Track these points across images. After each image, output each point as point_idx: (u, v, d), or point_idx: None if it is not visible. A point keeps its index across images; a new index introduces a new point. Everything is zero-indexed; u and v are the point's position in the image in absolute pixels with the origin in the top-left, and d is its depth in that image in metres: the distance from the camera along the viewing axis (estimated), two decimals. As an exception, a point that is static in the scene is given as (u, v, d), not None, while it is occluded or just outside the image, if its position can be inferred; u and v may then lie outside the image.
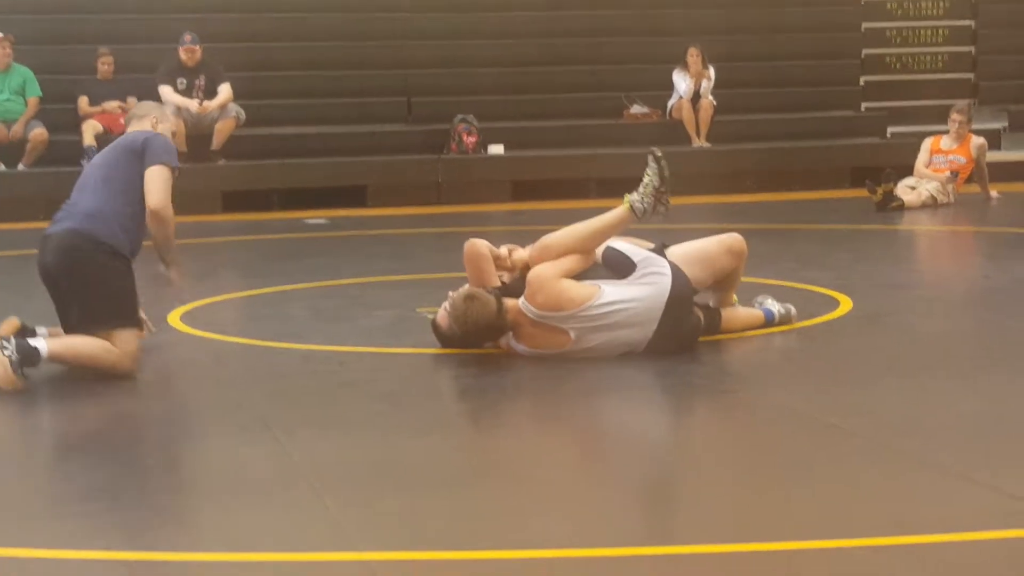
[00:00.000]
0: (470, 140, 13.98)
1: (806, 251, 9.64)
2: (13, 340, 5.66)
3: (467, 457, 4.78)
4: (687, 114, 14.52)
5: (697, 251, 6.24)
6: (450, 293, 6.07)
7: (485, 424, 5.33)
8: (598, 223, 6.06)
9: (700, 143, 14.51)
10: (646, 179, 6.02)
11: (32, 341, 5.72)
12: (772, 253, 9.18)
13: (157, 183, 5.94)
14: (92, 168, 6.20)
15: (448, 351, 6.11)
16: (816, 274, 8.19)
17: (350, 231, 11.51)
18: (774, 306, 6.52)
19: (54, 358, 5.77)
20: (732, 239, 6.30)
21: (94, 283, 5.84)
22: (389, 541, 3.74)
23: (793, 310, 6.54)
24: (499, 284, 6.15)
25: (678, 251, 6.21)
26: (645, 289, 5.91)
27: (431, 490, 4.23)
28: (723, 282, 6.34)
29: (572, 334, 5.88)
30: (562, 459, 4.75)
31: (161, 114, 6.44)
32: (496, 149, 14.08)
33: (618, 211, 6.05)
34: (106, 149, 6.29)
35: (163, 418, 5.48)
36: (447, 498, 4.15)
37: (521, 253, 6.23)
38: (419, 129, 14.38)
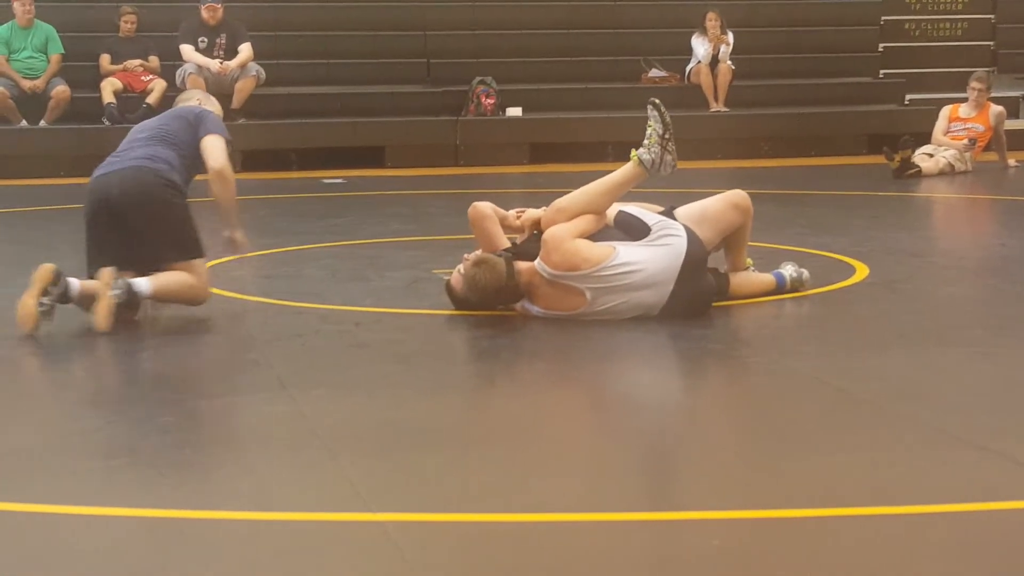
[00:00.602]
0: (489, 102, 13.95)
1: (822, 217, 9.61)
2: (123, 281, 5.86)
3: (480, 419, 4.80)
4: (705, 79, 14.48)
5: (703, 210, 6.25)
6: (465, 255, 6.07)
7: (499, 386, 5.34)
8: (609, 181, 6.06)
9: (718, 108, 14.47)
10: (649, 130, 6.04)
11: (135, 283, 5.93)
12: (788, 219, 9.16)
13: (217, 148, 6.18)
14: (140, 129, 6.39)
15: (463, 313, 6.11)
16: (832, 240, 8.16)
17: (368, 191, 11.52)
18: (786, 270, 6.50)
19: (155, 295, 6.00)
20: (736, 195, 6.30)
21: (167, 219, 6.05)
22: (402, 502, 3.76)
23: (806, 274, 6.52)
24: (508, 245, 6.15)
25: (684, 212, 6.22)
26: (660, 251, 5.91)
27: (444, 451, 4.24)
28: (732, 241, 6.32)
29: (587, 295, 5.87)
30: (574, 422, 4.76)
31: (204, 97, 6.67)
32: (514, 111, 14.06)
33: (627, 167, 6.05)
34: (155, 117, 6.59)
35: (180, 376, 5.50)
36: (460, 460, 4.17)
37: (532, 212, 6.22)
38: (438, 91, 14.35)
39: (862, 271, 7.14)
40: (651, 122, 6.05)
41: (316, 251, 7.74)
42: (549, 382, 5.32)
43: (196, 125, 6.24)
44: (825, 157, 14.00)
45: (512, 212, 6.33)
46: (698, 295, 6.01)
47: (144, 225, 6.02)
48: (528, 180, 12.63)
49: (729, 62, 14.52)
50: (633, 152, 6.06)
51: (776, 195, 10.56)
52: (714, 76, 14.49)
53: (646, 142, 6.04)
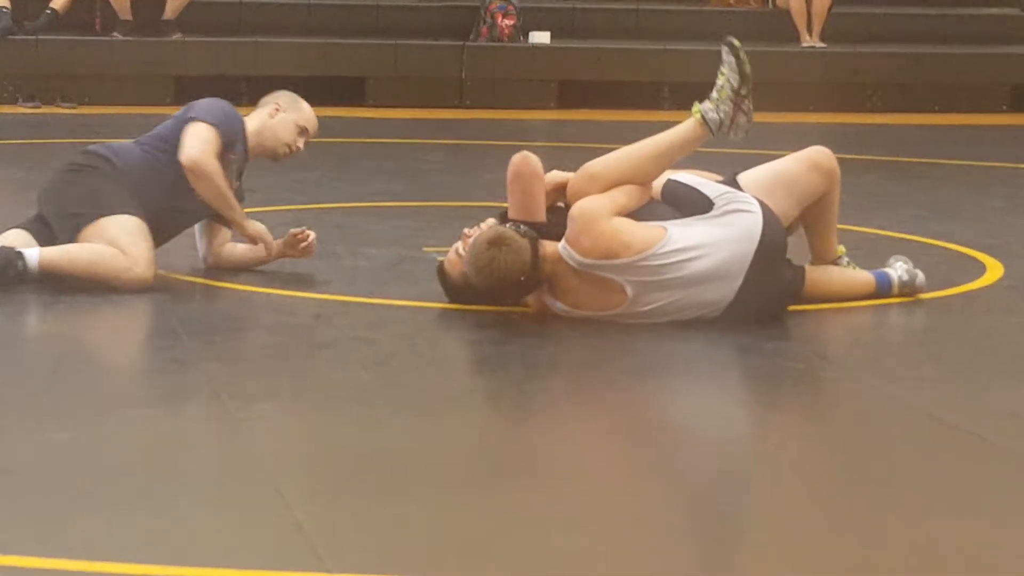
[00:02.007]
0: (506, 24, 13.95)
1: (946, 196, 9.63)
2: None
3: (478, 451, 4.80)
4: (796, 3, 14.47)
5: (774, 174, 6.26)
6: (465, 230, 6.06)
7: (505, 408, 5.35)
8: (660, 142, 6.07)
9: (811, 42, 14.46)
10: (720, 80, 6.05)
11: (26, 252, 6.15)
12: (900, 196, 9.18)
13: (191, 137, 6.42)
14: None
15: (460, 307, 6.12)
16: (958, 228, 8.18)
17: (342, 138, 11.51)
18: (896, 270, 6.48)
19: (47, 267, 6.16)
20: (817, 152, 6.32)
21: (69, 180, 6.42)
22: (367, 559, 3.76)
23: (921, 277, 6.51)
24: (544, 221, 6.03)
25: (751, 178, 6.22)
26: (727, 232, 5.92)
27: (429, 493, 4.25)
28: (816, 219, 6.31)
29: (628, 290, 5.88)
30: (601, 460, 4.77)
31: (288, 102, 6.78)
32: (540, 37, 14.06)
33: (686, 125, 6.06)
34: None
35: (85, 379, 5.49)
36: (449, 505, 4.18)
37: (557, 175, 6.18)
38: (438, 5, 14.37)
39: (995, 270, 7.15)
40: (724, 69, 6.04)
41: (269, 216, 7.73)
42: (572, 405, 5.34)
43: (184, 117, 6.51)
44: (953, 114, 13.99)
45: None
46: (774, 293, 6.03)
47: (51, 195, 6.45)
48: (555, 130, 12.65)
49: (829, -18, 14.54)
50: (696, 106, 6.06)
51: (885, 163, 10.57)
52: (808, 0, 14.50)
53: (715, 95, 6.03)
